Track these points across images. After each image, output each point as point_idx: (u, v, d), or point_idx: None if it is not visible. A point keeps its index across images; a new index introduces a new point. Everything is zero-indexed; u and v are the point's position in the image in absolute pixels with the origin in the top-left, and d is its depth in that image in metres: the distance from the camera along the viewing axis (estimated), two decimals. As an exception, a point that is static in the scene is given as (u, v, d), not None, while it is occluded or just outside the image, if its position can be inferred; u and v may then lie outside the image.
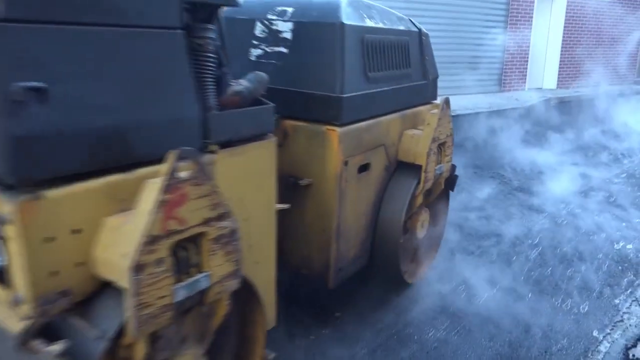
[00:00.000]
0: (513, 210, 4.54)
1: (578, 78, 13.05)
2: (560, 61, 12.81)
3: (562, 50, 12.71)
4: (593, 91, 12.19)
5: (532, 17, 11.69)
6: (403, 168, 2.73)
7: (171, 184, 1.34)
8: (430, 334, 2.72)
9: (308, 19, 2.37)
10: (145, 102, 1.47)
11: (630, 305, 3.10)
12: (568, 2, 12.39)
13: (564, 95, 11.60)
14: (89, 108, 1.33)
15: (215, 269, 1.52)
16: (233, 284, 1.61)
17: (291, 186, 2.36)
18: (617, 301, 3.14)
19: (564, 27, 12.59)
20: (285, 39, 2.41)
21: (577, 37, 12.81)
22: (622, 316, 2.98)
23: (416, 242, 2.95)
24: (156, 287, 1.35)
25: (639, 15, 14.30)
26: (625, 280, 3.39)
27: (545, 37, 12.74)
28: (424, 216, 2.93)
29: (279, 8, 2.46)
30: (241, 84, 1.96)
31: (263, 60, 2.46)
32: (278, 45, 2.43)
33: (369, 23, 2.48)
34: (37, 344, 1.27)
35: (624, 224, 4.33)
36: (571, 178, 5.51)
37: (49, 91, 1.24)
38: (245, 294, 1.79)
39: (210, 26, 1.68)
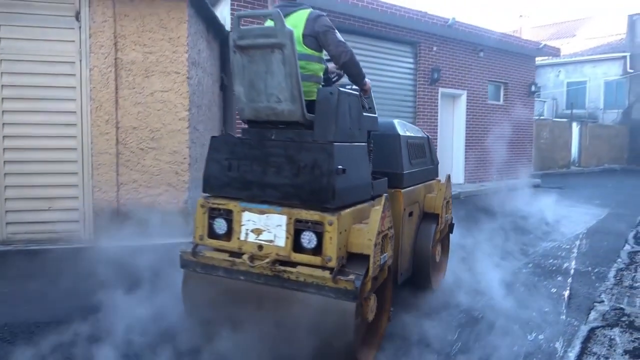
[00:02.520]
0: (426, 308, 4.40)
1: (483, 173, 14.72)
2: (466, 158, 14.25)
3: (466, 148, 14.26)
4: (496, 185, 13.63)
5: (437, 119, 13.35)
6: (427, 216, 4.60)
7: (384, 209, 3.09)
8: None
9: (378, 132, 4.26)
10: (360, 174, 3.25)
11: (548, 397, 3.08)
12: (467, 105, 14.23)
13: (472, 190, 12.96)
14: (351, 177, 3.09)
15: (388, 252, 3.25)
16: (391, 261, 3.33)
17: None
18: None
19: (466, 127, 14.17)
20: (365, 142, 4.28)
21: (478, 135, 14.59)
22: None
23: (435, 265, 4.75)
24: (377, 255, 3.05)
25: (532, 115, 16.80)
26: (541, 372, 3.46)
27: (451, 136, 14.17)
28: (438, 248, 4.77)
29: (360, 125, 4.34)
30: (361, 168, 3.79)
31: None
32: (361, 146, 4.30)
33: (408, 133, 4.44)
34: (340, 277, 2.90)
35: (534, 313, 4.37)
36: (483, 269, 5.52)
37: (345, 169, 2.99)
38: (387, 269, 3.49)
39: (370, 140, 3.52)
